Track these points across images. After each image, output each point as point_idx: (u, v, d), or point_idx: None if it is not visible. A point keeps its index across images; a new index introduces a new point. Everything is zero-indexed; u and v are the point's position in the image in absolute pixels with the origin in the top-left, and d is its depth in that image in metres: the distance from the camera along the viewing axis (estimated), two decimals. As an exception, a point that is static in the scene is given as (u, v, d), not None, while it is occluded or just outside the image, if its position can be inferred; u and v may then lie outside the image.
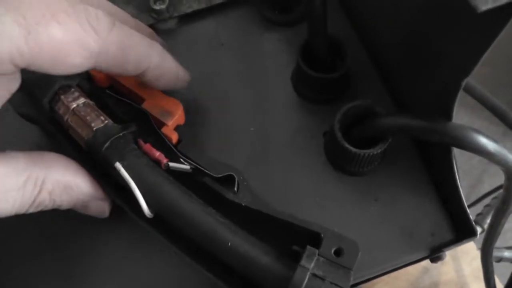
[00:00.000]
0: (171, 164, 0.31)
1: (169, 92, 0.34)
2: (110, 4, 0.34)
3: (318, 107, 0.38)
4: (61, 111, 0.31)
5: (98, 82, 0.34)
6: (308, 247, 0.27)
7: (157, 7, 0.39)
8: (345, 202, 0.34)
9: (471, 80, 0.55)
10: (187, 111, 0.34)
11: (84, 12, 0.26)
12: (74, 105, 0.31)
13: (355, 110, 0.33)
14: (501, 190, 0.34)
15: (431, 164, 0.35)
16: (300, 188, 0.35)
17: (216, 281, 0.29)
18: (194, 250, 0.30)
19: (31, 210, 0.29)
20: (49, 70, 0.26)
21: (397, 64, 0.36)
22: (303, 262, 0.26)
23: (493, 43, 0.24)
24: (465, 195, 0.32)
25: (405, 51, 0.34)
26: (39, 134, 0.36)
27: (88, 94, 0.33)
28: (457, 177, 0.32)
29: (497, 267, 0.49)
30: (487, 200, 0.64)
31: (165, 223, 0.29)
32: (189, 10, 0.41)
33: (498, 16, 0.22)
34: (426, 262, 0.35)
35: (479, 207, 0.64)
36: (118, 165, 0.29)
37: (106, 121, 0.31)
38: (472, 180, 1.12)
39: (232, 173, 0.31)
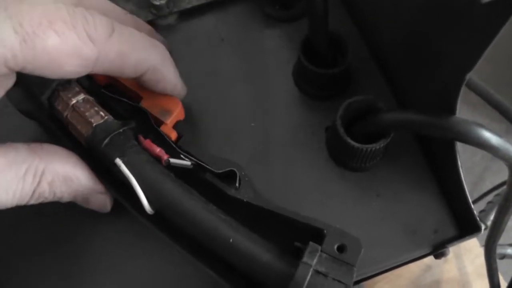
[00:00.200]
0: (172, 160, 0.30)
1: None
2: (109, 2, 0.34)
3: (320, 103, 0.37)
4: (60, 107, 0.31)
5: (97, 79, 0.34)
6: (311, 243, 0.26)
7: (157, 2, 0.39)
8: (347, 198, 0.34)
9: (474, 77, 0.55)
10: (187, 107, 0.34)
11: (82, 21, 0.26)
12: (73, 101, 0.31)
13: (357, 105, 0.33)
14: (504, 187, 0.34)
15: (433, 159, 0.35)
16: (302, 184, 0.35)
17: (218, 279, 0.29)
18: (195, 248, 0.29)
19: (32, 202, 0.29)
20: (44, 75, 0.26)
21: (398, 63, 0.36)
22: (305, 258, 0.25)
23: (495, 39, 0.23)
24: (468, 193, 0.32)
25: (405, 50, 0.34)
26: (38, 130, 0.36)
27: (87, 91, 0.32)
28: (461, 171, 0.31)
29: (500, 264, 0.49)
30: (489, 197, 0.64)
31: (166, 220, 0.29)
32: (189, 6, 0.40)
33: (500, 11, 0.22)
34: (429, 260, 0.35)
35: (481, 204, 0.63)
36: (118, 161, 0.29)
37: (106, 117, 0.31)
38: (474, 177, 1.12)
39: (234, 169, 0.30)
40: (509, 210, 0.36)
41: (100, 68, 0.28)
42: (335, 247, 0.27)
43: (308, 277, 0.25)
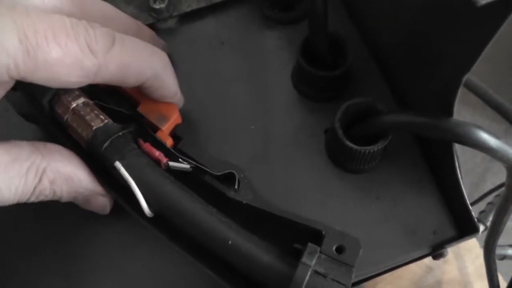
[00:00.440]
0: (171, 163, 0.31)
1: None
2: (111, 7, 0.34)
3: (319, 105, 0.37)
4: (60, 111, 0.31)
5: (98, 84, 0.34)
6: (310, 244, 0.26)
7: (157, 6, 0.39)
8: (347, 200, 0.34)
9: (474, 78, 0.55)
10: (188, 109, 0.34)
11: (84, 33, 0.26)
12: (74, 104, 0.31)
13: (356, 107, 0.33)
14: (504, 188, 0.34)
15: (432, 160, 0.35)
16: (301, 186, 0.35)
17: (218, 280, 0.29)
18: (195, 248, 0.29)
19: (32, 200, 0.29)
20: (45, 84, 0.26)
21: (398, 63, 0.36)
22: (304, 259, 0.26)
23: (493, 38, 0.23)
24: (468, 193, 0.32)
25: (405, 51, 0.34)
26: (39, 133, 0.36)
27: (88, 94, 0.33)
28: (458, 172, 0.32)
29: (500, 265, 0.49)
30: (490, 198, 0.64)
31: (166, 222, 0.29)
32: (189, 9, 0.41)
33: (497, 13, 0.22)
34: (430, 261, 0.35)
35: (482, 205, 0.63)
36: (118, 164, 0.29)
37: (106, 121, 0.31)
38: (475, 178, 1.12)
39: (233, 171, 0.30)
40: (508, 211, 0.36)
41: (101, 78, 0.28)
42: (334, 248, 0.27)
43: (307, 278, 0.25)
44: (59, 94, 0.31)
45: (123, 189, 0.30)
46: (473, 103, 0.60)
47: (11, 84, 0.29)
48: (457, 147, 0.31)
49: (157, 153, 0.31)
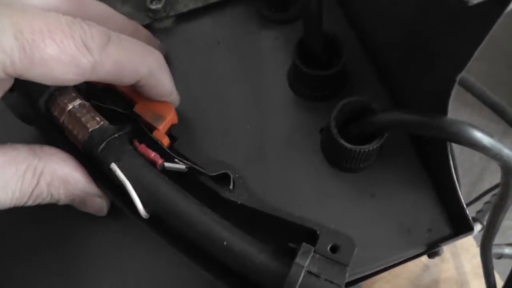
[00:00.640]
0: (167, 164, 0.31)
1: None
2: (106, 8, 0.34)
3: (315, 104, 0.38)
4: (57, 112, 0.31)
5: (93, 82, 0.34)
6: (304, 244, 0.26)
7: (153, 6, 0.39)
8: (342, 199, 0.34)
9: (471, 78, 0.55)
10: (184, 109, 0.34)
11: (79, 31, 0.27)
12: (70, 106, 0.31)
13: (351, 106, 0.33)
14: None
15: (427, 159, 0.35)
16: (297, 185, 0.35)
17: (214, 280, 0.29)
18: (191, 249, 0.29)
19: (29, 203, 0.29)
20: (41, 82, 0.26)
21: (393, 63, 0.36)
22: (298, 259, 0.26)
23: (487, 38, 0.24)
24: (466, 193, 0.32)
25: (400, 50, 0.34)
26: (35, 135, 0.36)
27: (85, 94, 0.33)
28: (453, 171, 0.32)
29: (497, 264, 0.49)
30: (487, 197, 0.64)
31: (162, 222, 0.29)
32: (185, 9, 0.41)
33: (491, 10, 0.22)
34: (427, 259, 0.35)
35: (479, 205, 0.63)
36: (113, 166, 0.29)
37: (102, 122, 0.31)
38: (473, 177, 1.12)
39: (227, 171, 0.31)
40: (504, 209, 0.36)
41: (96, 76, 0.28)
42: (328, 247, 0.27)
43: (301, 278, 0.25)
44: (55, 95, 0.32)
45: (120, 190, 0.30)
46: (471, 103, 0.60)
47: (8, 84, 0.29)
48: (455, 147, 0.31)
49: (153, 154, 0.31)
